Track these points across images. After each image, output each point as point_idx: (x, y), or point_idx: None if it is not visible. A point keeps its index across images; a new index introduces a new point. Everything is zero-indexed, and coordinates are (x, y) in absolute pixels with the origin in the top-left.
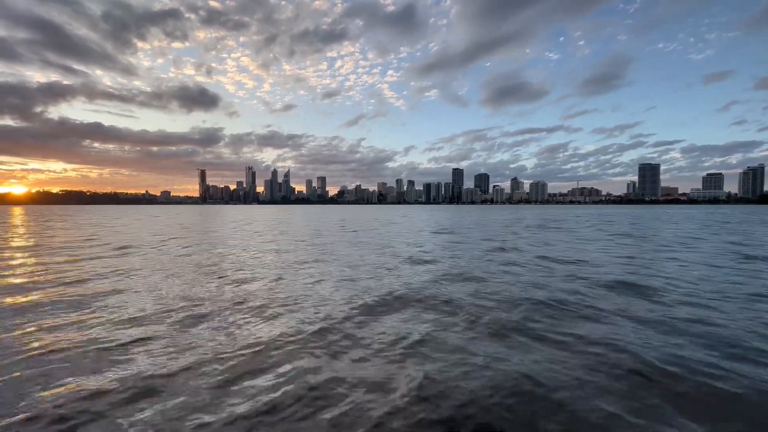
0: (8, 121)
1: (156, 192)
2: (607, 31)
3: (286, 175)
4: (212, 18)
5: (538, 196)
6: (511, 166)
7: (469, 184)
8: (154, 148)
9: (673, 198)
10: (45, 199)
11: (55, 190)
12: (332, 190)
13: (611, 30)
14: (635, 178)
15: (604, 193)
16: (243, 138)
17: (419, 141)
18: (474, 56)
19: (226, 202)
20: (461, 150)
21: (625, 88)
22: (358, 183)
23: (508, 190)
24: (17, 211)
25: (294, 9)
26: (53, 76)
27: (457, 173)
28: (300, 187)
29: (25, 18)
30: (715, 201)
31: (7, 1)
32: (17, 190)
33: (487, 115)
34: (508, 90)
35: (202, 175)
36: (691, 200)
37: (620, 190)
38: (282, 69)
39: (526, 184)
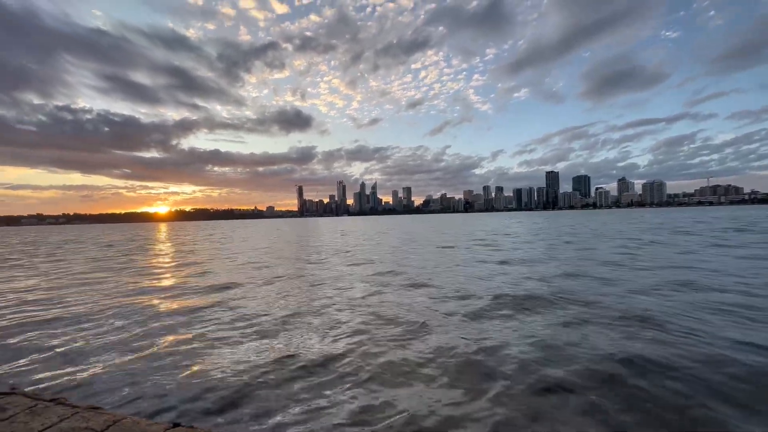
0: (154, 153)
1: (263, 207)
2: None
3: (373, 187)
4: (305, 44)
5: (654, 197)
6: (619, 164)
7: (566, 187)
8: (260, 168)
9: None
10: (181, 216)
11: (188, 208)
12: (417, 200)
13: None
14: None
15: (746, 191)
16: (333, 154)
17: (508, 144)
18: (571, 45)
19: (321, 215)
20: (557, 150)
21: None
22: (443, 192)
23: (614, 193)
24: (162, 225)
25: (378, 25)
26: (184, 113)
27: (552, 176)
28: (386, 198)
29: (163, 67)
30: None
31: (149, 53)
32: (162, 209)
33: (587, 110)
34: (614, 78)
35: (300, 191)
36: None
37: None
38: (368, 85)
39: (638, 185)
